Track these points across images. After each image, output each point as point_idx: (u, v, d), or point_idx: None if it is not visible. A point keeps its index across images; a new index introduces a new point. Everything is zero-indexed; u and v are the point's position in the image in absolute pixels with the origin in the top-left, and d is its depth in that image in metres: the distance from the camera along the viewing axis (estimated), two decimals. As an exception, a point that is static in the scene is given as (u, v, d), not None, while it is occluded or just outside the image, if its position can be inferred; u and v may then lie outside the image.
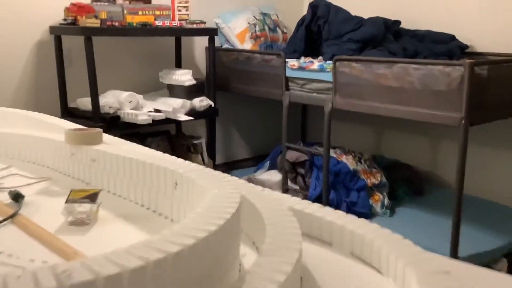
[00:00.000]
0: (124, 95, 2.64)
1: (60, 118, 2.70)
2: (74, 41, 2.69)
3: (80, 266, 0.53)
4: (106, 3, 2.77)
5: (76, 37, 2.67)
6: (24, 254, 0.87)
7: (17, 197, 1.12)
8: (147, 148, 1.30)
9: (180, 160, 1.19)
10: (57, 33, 2.68)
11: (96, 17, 2.63)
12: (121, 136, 2.92)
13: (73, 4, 2.66)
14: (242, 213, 0.92)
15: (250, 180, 3.28)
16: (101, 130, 1.36)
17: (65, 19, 2.67)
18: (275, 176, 3.15)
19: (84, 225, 1.01)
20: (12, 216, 1.02)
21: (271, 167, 3.30)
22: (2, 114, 1.70)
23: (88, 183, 1.28)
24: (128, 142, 1.40)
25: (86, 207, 1.02)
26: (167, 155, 1.24)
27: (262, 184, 3.17)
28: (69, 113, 2.73)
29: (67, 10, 2.68)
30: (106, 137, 1.41)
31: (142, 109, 2.67)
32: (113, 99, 2.61)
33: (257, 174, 3.27)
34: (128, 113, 2.58)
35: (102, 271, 0.52)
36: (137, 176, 1.14)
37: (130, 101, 2.63)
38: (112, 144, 1.33)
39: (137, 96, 2.69)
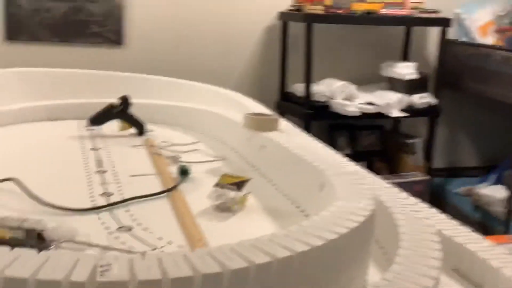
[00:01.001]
0: (337, 84, 2.58)
1: (277, 102, 2.82)
2: (300, 28, 2.73)
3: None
4: (336, -10, 2.73)
5: (302, 23, 2.71)
6: (158, 230, 0.89)
7: (183, 172, 1.16)
8: (317, 143, 1.22)
9: (343, 160, 1.08)
10: (284, 19, 2.76)
11: (322, 4, 2.62)
12: (329, 126, 2.91)
13: (302, -9, 2.70)
14: (379, 230, 0.78)
15: (469, 192, 2.91)
16: (277, 117, 1.33)
17: (293, 5, 2.73)
18: (500, 192, 2.72)
19: (229, 212, 1.00)
20: (168, 190, 1.07)
21: (497, 182, 2.86)
22: (208, 93, 1.81)
23: (257, 169, 1.27)
24: (302, 133, 1.34)
25: (232, 194, 1.00)
26: (333, 153, 1.15)
27: (483, 199, 2.78)
28: (285, 98, 2.80)
29: (296, -4, 2.73)
30: (285, 125, 1.37)
31: (354, 100, 2.58)
32: (326, 88, 2.58)
33: (479, 187, 2.87)
34: (338, 103, 2.52)
35: (228, 263, 0.51)
36: (292, 170, 1.08)
37: (343, 91, 2.56)
38: (286, 133, 1.29)
39: (351, 86, 2.61)
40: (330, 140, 2.89)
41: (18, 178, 1.02)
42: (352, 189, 0.81)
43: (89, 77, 1.86)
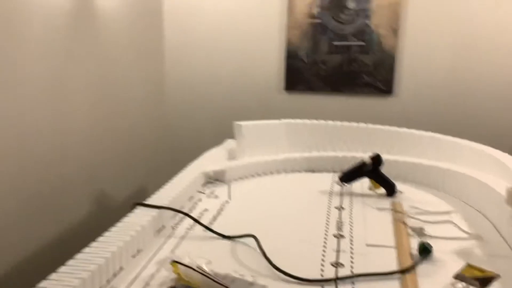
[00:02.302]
0: None
1: None
2: None
3: None
4: None
5: None
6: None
7: (423, 250, 1.05)
8: None
9: None
10: None
11: None
12: None
13: None
14: None
15: None
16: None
17: None
18: None
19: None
20: (402, 271, 0.97)
21: None
22: (474, 153, 1.62)
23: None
24: None
25: (472, 290, 0.85)
26: None
27: None
28: None
29: None
30: None
31: None
32: None
33: None
34: None
35: None
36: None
37: None
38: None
39: None
40: None
41: (257, 236, 1.07)
42: None
43: (349, 130, 1.88)
